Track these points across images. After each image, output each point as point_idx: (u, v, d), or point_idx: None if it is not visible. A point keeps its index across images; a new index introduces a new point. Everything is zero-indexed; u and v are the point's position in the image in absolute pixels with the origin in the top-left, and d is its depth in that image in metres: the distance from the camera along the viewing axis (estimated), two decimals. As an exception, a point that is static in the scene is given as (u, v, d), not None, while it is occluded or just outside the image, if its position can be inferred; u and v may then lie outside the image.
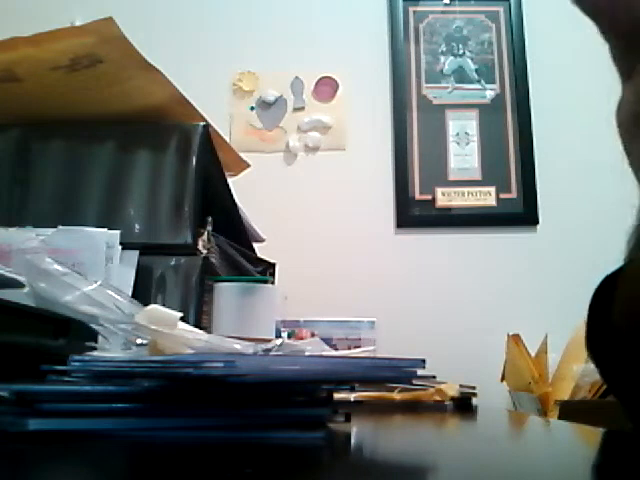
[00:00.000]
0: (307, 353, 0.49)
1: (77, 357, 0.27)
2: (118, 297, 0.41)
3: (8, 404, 0.26)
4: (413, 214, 1.79)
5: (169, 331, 0.38)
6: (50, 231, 0.68)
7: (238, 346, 0.41)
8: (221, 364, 0.25)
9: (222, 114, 1.90)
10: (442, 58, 1.94)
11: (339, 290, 1.64)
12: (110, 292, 0.42)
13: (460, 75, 1.92)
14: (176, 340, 0.38)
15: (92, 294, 0.41)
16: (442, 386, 0.54)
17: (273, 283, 0.89)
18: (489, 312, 1.68)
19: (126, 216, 0.75)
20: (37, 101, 0.77)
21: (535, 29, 1.97)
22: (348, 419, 0.28)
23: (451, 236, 1.77)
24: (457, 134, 1.85)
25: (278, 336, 0.76)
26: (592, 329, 0.25)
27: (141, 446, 0.25)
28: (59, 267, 0.43)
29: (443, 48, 1.96)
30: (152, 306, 0.41)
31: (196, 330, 0.43)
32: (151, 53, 0.73)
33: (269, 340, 0.56)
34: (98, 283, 0.42)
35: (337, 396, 0.31)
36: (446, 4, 2.03)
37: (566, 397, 1.24)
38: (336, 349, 1.07)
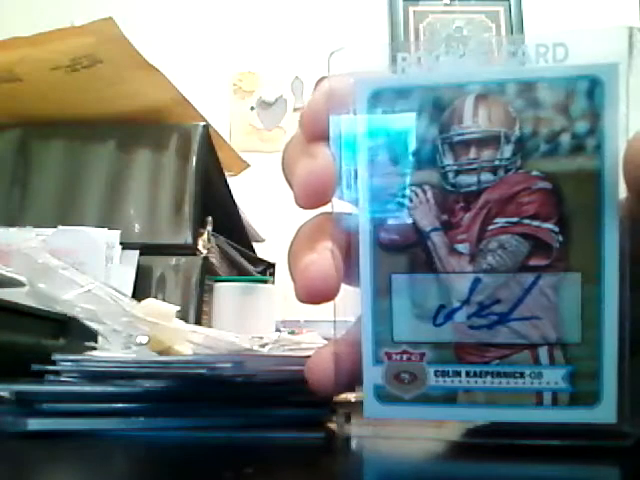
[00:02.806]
0: (304, 345, 0.50)
1: (61, 356, 0.27)
2: (118, 295, 0.41)
3: (8, 404, 0.26)
4: (413, 214, 1.79)
5: (166, 323, 0.39)
6: (50, 231, 0.68)
7: (236, 339, 0.41)
8: (229, 364, 0.25)
9: (222, 114, 1.90)
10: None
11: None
12: (110, 290, 0.42)
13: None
14: (175, 333, 0.39)
15: (92, 291, 0.41)
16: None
17: (273, 283, 0.89)
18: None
19: (126, 216, 0.75)
20: (37, 101, 0.77)
21: (535, 29, 1.97)
22: (348, 419, 0.28)
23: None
24: (457, 134, 1.85)
25: (278, 336, 0.76)
26: None
27: (141, 446, 0.25)
28: (58, 262, 0.43)
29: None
30: (148, 300, 0.42)
31: (194, 327, 0.43)
32: (151, 53, 0.73)
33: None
34: (98, 281, 0.43)
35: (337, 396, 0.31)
36: (446, 4, 2.03)
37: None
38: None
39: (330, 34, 1.95)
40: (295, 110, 2.00)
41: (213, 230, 0.76)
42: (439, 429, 0.24)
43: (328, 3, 2.03)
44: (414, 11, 2.05)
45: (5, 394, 0.26)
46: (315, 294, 0.24)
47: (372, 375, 0.23)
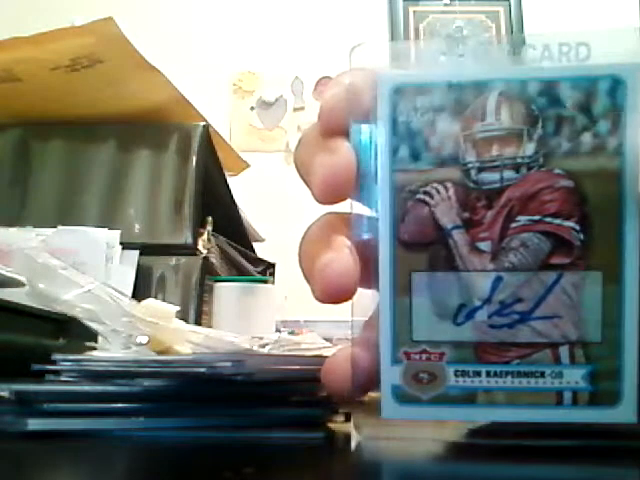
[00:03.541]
0: (304, 346, 0.50)
1: (61, 356, 0.27)
2: (118, 296, 0.41)
3: (8, 404, 0.26)
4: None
5: (166, 323, 0.39)
6: (50, 231, 0.68)
7: (236, 339, 0.41)
8: (229, 363, 0.25)
9: (222, 114, 1.90)
10: (442, 58, 1.94)
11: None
12: (110, 290, 0.42)
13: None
14: (175, 333, 0.39)
15: (92, 291, 0.41)
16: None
17: (273, 283, 0.89)
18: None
19: (126, 216, 0.75)
20: (37, 101, 0.77)
21: (535, 29, 1.97)
22: (348, 419, 0.28)
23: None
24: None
25: (278, 336, 0.76)
26: None
27: (141, 446, 0.25)
28: (58, 262, 0.43)
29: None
30: (148, 300, 0.42)
31: (194, 328, 0.43)
32: (151, 53, 0.73)
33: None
34: (98, 281, 0.43)
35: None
36: (446, 4, 2.03)
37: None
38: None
39: (330, 34, 1.95)
40: (295, 110, 2.00)
41: (213, 230, 0.76)
42: (444, 429, 0.24)
43: (328, 3, 2.03)
44: (414, 11, 2.05)
45: (5, 394, 0.26)
46: (335, 293, 0.23)
47: (390, 375, 0.23)
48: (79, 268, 0.45)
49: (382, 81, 0.23)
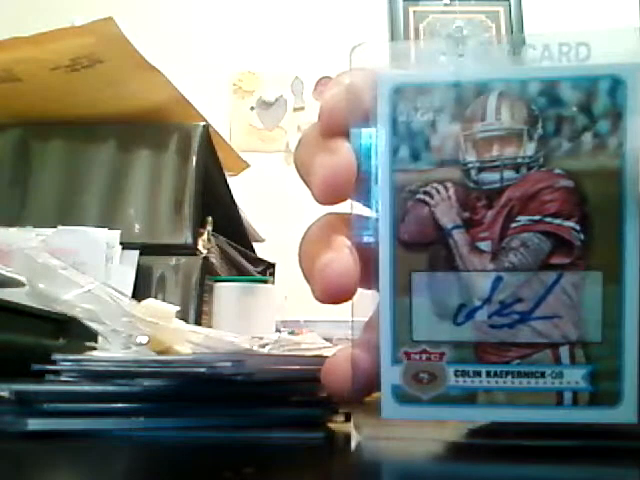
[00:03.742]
0: (304, 346, 0.50)
1: (61, 356, 0.27)
2: (118, 295, 0.42)
3: (8, 404, 0.26)
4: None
5: (166, 323, 0.39)
6: (50, 231, 0.68)
7: (236, 339, 0.41)
8: (229, 363, 0.25)
9: (222, 114, 1.90)
10: (442, 58, 1.94)
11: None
12: (110, 290, 0.42)
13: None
14: (175, 333, 0.39)
15: (92, 291, 0.41)
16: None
17: (273, 283, 0.89)
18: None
19: (126, 216, 0.75)
20: (37, 101, 0.77)
21: (535, 29, 1.97)
22: (348, 419, 0.28)
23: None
24: (457, 134, 1.85)
25: (278, 336, 0.76)
26: None
27: (141, 446, 0.25)
28: (58, 262, 0.43)
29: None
30: (148, 300, 0.42)
31: (194, 328, 0.43)
32: (151, 53, 0.73)
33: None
34: (98, 281, 0.43)
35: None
36: (446, 4, 2.03)
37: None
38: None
39: (330, 34, 1.95)
40: (295, 110, 2.00)
41: (213, 230, 0.76)
42: (444, 429, 0.24)
43: (328, 3, 2.03)
44: (414, 11, 2.05)
45: (5, 394, 0.26)
46: (335, 293, 0.23)
47: (390, 375, 0.23)
48: (79, 268, 0.45)
49: (382, 81, 0.23)
